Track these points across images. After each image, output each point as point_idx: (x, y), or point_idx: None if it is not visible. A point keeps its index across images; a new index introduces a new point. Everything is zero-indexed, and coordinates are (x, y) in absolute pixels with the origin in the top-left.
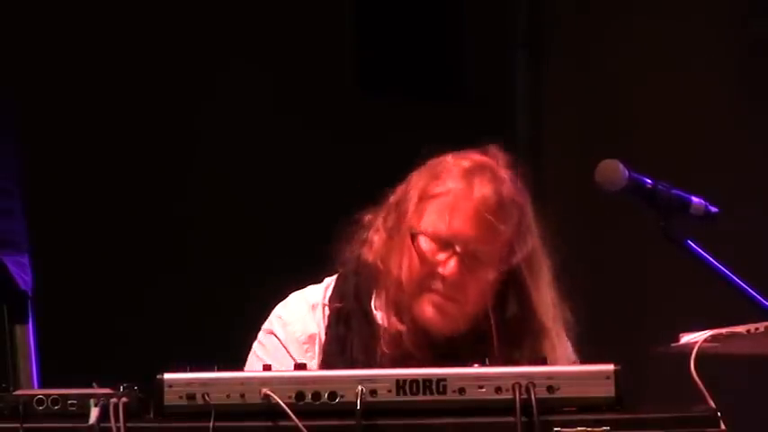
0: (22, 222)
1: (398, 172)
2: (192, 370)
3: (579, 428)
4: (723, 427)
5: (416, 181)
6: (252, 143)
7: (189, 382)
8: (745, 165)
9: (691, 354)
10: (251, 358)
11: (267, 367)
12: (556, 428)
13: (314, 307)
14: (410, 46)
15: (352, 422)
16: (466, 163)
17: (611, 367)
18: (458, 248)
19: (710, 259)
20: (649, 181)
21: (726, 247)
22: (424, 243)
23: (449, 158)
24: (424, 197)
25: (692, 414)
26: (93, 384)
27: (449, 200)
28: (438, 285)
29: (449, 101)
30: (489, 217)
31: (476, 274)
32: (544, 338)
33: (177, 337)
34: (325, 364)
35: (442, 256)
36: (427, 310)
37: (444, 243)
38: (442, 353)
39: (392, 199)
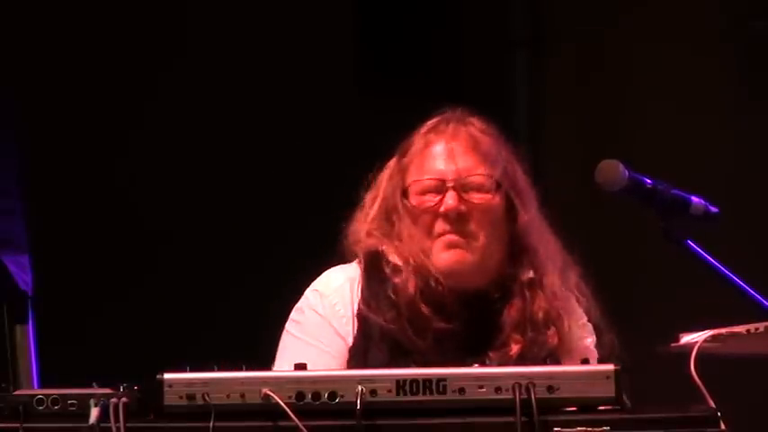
0: (21, 222)
1: None
2: (191, 370)
3: (579, 428)
4: (723, 427)
5: (392, 160)
6: (252, 143)
7: (189, 382)
8: (746, 165)
9: (691, 354)
10: (285, 340)
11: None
12: (556, 428)
13: (351, 280)
14: (410, 46)
15: (353, 422)
16: (430, 122)
17: (611, 367)
18: (448, 183)
19: (710, 259)
20: (649, 181)
21: (726, 247)
22: (415, 196)
23: (415, 130)
24: (401, 163)
25: (692, 414)
26: (94, 384)
27: (425, 151)
28: (444, 226)
29: (449, 101)
30: (466, 145)
31: (476, 200)
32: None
33: (177, 337)
34: (362, 333)
35: (436, 197)
36: (444, 255)
37: (434, 186)
38: (472, 313)
39: (375, 183)
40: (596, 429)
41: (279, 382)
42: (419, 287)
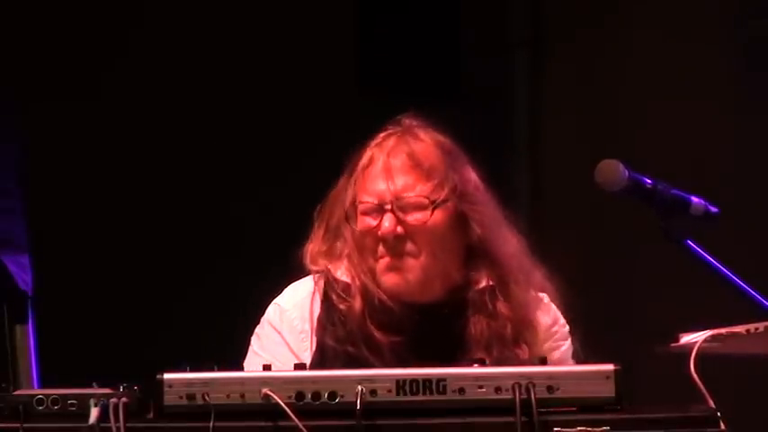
0: (22, 222)
1: None
2: (192, 370)
3: (579, 428)
4: (723, 427)
5: (342, 178)
6: (252, 143)
7: (189, 382)
8: (745, 165)
9: (691, 354)
10: (249, 353)
11: (267, 367)
12: (556, 428)
13: (313, 294)
14: (410, 46)
15: (353, 422)
16: (379, 135)
17: (611, 367)
18: (386, 206)
19: (710, 259)
20: (649, 181)
21: (726, 247)
22: (358, 218)
23: (363, 144)
24: (349, 180)
25: (692, 414)
26: (94, 384)
27: (366, 170)
28: (383, 249)
29: (449, 101)
30: (404, 163)
31: (414, 221)
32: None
33: (177, 337)
34: (319, 349)
35: (376, 219)
36: (384, 278)
37: (373, 208)
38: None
39: (327, 199)
40: (596, 429)
41: (279, 382)
42: (366, 307)
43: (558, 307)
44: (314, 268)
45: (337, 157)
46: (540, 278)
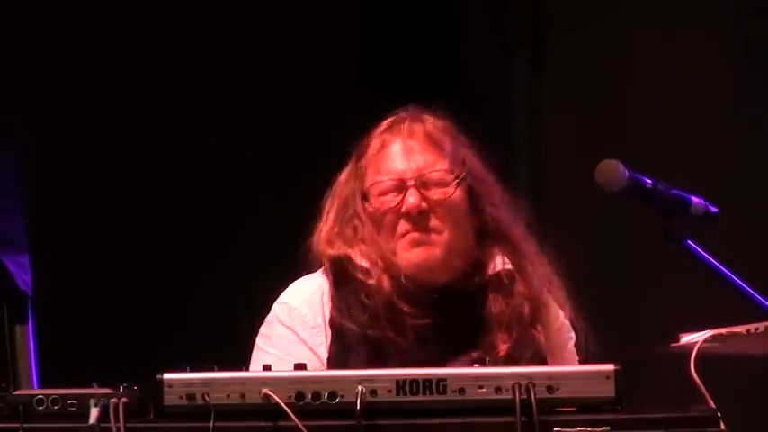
0: (22, 222)
1: None
2: (192, 370)
3: (579, 428)
4: (723, 427)
5: (349, 167)
6: (252, 143)
7: (189, 382)
8: (745, 165)
9: (691, 354)
10: (255, 354)
11: (267, 367)
12: (556, 428)
13: (320, 288)
14: (410, 46)
15: (353, 422)
16: (385, 122)
17: (611, 367)
18: (408, 182)
19: (710, 259)
20: (649, 181)
21: (726, 247)
22: (376, 198)
23: (368, 133)
24: (358, 166)
25: (692, 414)
26: (94, 384)
27: (381, 152)
28: (407, 225)
29: (448, 101)
30: (423, 142)
31: (437, 196)
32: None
33: (177, 337)
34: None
35: (397, 197)
36: (409, 254)
37: (394, 186)
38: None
39: (331, 190)
40: (596, 429)
41: (279, 382)
42: (394, 285)
43: (566, 303)
44: (330, 252)
45: (337, 156)
46: (548, 272)
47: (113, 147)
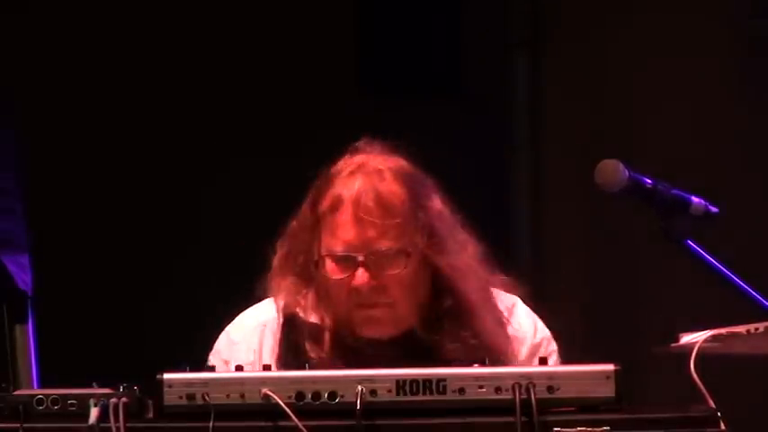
0: (22, 222)
1: None
2: (192, 370)
3: (579, 428)
4: (723, 427)
5: (305, 210)
6: (252, 143)
7: (189, 382)
8: (746, 165)
9: (691, 354)
10: None
11: (267, 367)
12: (556, 428)
13: (264, 326)
14: (410, 46)
15: (353, 422)
16: (341, 165)
17: (611, 367)
18: (359, 258)
19: (710, 259)
20: (649, 181)
21: (726, 247)
22: (328, 268)
23: (326, 175)
24: (314, 215)
25: (692, 414)
26: (94, 384)
27: (334, 215)
28: (361, 298)
29: (449, 101)
30: (374, 209)
31: (389, 270)
32: (469, 315)
33: (177, 337)
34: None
35: (350, 270)
36: (365, 327)
37: (344, 259)
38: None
39: (289, 230)
40: (596, 429)
41: (279, 382)
42: (336, 351)
43: (531, 307)
44: (281, 302)
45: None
46: (503, 283)
47: (113, 147)
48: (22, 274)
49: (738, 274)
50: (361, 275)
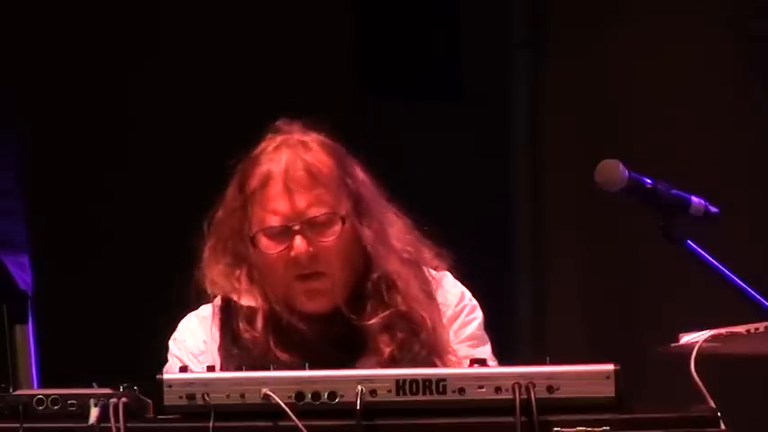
0: (22, 222)
1: (398, 172)
2: (191, 370)
3: (579, 428)
4: (723, 427)
5: (231, 194)
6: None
7: (189, 383)
8: (746, 165)
9: (691, 354)
10: None
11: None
12: (556, 428)
13: (204, 319)
14: (410, 46)
15: (353, 422)
16: (265, 144)
17: (611, 367)
18: (294, 227)
19: (710, 259)
20: (649, 181)
21: (726, 247)
22: (263, 244)
23: (249, 157)
24: (242, 197)
25: (692, 414)
26: (94, 384)
27: (264, 191)
28: (299, 268)
29: (449, 101)
30: (304, 179)
31: (325, 237)
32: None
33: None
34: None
35: (284, 242)
36: (305, 301)
37: (280, 231)
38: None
39: (216, 218)
40: (596, 429)
41: (279, 382)
42: (272, 332)
43: (461, 281)
44: (216, 292)
45: None
46: (432, 257)
47: (113, 147)
48: (22, 274)
49: (738, 274)
50: (300, 243)
